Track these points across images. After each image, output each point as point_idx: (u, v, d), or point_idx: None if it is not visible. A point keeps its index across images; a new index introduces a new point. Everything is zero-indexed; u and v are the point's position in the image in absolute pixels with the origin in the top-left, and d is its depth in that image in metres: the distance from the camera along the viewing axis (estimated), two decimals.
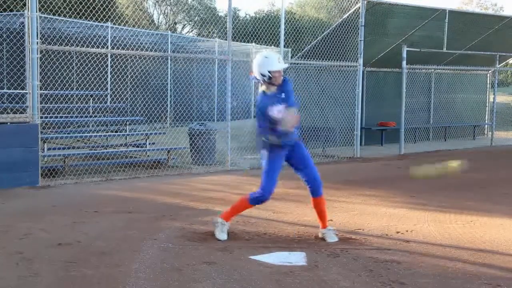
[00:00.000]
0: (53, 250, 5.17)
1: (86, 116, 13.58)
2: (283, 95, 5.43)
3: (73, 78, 17.25)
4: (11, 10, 16.78)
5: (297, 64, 13.38)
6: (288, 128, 5.29)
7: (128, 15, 26.12)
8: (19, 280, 4.37)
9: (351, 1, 12.87)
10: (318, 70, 13.39)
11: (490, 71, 18.29)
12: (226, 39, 11.25)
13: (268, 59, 5.44)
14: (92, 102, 14.14)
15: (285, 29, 11.76)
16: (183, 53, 20.45)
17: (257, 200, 5.57)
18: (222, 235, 5.60)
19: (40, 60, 8.68)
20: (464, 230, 6.19)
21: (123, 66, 16.64)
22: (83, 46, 14.47)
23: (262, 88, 5.59)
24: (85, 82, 15.67)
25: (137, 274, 4.52)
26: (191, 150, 11.29)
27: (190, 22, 37.58)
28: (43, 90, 11.71)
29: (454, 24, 14.17)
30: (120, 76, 16.61)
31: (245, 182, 8.94)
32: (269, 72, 5.40)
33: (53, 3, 12.24)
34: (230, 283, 4.35)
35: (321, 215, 5.73)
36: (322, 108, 13.54)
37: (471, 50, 15.65)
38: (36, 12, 8.35)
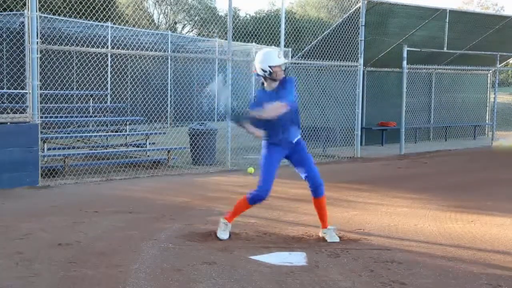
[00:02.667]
0: (53, 250, 5.16)
1: (86, 116, 13.56)
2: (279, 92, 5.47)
3: (73, 78, 17.26)
4: (11, 10, 16.78)
5: (298, 64, 13.37)
6: (265, 116, 5.35)
7: (128, 15, 26.10)
8: (19, 280, 4.36)
9: (351, 1, 12.87)
10: (319, 70, 13.38)
11: (490, 71, 18.28)
12: (226, 39, 11.25)
13: (268, 55, 5.57)
14: (92, 102, 14.12)
15: (285, 29, 11.74)
16: (183, 53, 20.45)
17: (254, 199, 5.58)
18: (223, 234, 5.61)
19: (40, 60, 8.67)
20: (464, 230, 6.18)
21: (123, 66, 16.63)
22: (83, 46, 14.46)
23: (264, 85, 5.63)
24: (85, 82, 15.66)
25: (137, 274, 4.51)
26: (191, 150, 11.28)
27: (190, 22, 37.58)
28: (43, 90, 11.70)
29: (455, 24, 14.16)
30: (120, 76, 16.60)
31: (246, 182, 8.92)
32: (269, 67, 5.47)
33: (53, 3, 12.22)
34: (230, 283, 4.34)
35: (321, 214, 5.73)
36: (323, 108, 13.53)
37: (471, 50, 15.63)
38: (36, 12, 8.34)
